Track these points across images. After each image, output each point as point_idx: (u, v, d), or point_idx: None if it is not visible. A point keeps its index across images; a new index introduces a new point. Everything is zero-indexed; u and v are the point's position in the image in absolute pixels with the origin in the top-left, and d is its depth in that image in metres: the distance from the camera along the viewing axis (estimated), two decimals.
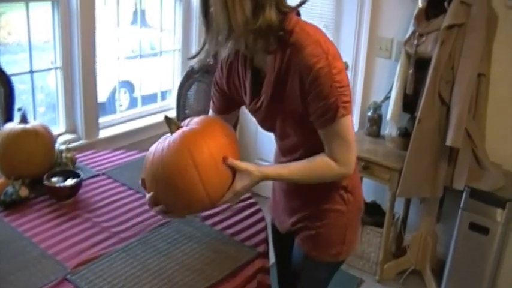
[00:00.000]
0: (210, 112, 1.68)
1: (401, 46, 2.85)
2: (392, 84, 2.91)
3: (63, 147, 2.34)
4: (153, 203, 1.47)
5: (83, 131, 3.12)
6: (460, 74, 2.49)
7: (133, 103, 3.76)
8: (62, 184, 2.00)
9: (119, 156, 2.48)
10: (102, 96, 3.63)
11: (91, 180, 2.18)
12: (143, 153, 2.43)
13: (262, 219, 1.97)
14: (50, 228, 1.81)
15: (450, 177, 2.66)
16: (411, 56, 2.71)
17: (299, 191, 1.62)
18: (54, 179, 2.02)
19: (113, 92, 3.60)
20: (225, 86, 1.59)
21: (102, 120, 3.30)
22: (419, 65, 2.68)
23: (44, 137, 2.08)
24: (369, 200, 3.22)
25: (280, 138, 1.61)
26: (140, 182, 1.53)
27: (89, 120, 3.12)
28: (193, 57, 1.42)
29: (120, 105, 3.60)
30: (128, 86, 4.19)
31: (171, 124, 1.47)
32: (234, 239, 1.81)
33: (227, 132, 1.49)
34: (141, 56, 3.53)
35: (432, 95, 2.56)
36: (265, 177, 1.45)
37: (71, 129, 3.14)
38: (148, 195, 1.48)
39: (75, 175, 2.05)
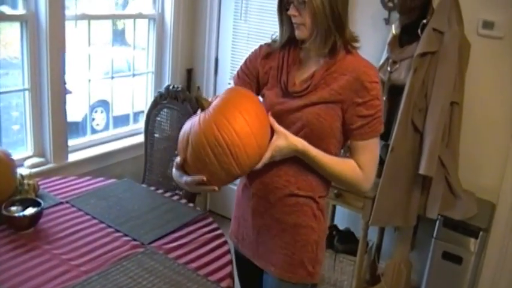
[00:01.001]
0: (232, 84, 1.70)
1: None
2: None
3: (26, 172, 2.28)
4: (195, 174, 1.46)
5: (51, 154, 3.05)
6: (433, 101, 2.48)
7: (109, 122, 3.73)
8: (21, 213, 1.94)
9: (85, 183, 2.44)
10: (77, 116, 3.62)
11: (53, 209, 2.13)
12: (110, 181, 2.43)
13: (228, 251, 1.94)
14: (6, 260, 1.75)
15: (423, 205, 2.65)
16: (384, 83, 2.68)
17: (268, 209, 1.59)
18: (14, 208, 1.97)
19: (90, 111, 3.56)
20: (257, 64, 1.63)
21: (71, 143, 3.24)
22: (392, 92, 2.68)
23: (3, 164, 2.02)
24: (342, 227, 3.19)
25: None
26: (175, 163, 1.50)
27: (57, 143, 3.06)
28: (274, 42, 1.59)
29: (97, 125, 3.56)
30: (105, 105, 4.07)
31: (201, 100, 1.46)
32: (197, 273, 1.77)
33: (255, 99, 1.50)
34: (112, 77, 3.50)
35: (405, 123, 2.55)
36: (303, 147, 1.47)
37: (39, 152, 3.07)
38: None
39: (36, 204, 2.00)
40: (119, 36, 3.56)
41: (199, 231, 2.06)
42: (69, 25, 2.95)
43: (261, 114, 1.44)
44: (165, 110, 2.67)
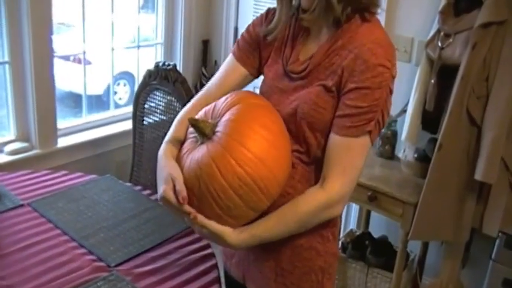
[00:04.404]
0: (230, 56, 1.54)
1: (423, 48, 2.58)
2: (410, 96, 2.63)
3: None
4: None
5: (36, 138, 2.85)
6: (497, 88, 2.24)
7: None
8: None
9: (57, 180, 2.23)
10: (98, 89, 3.76)
11: (8, 214, 1.93)
12: (89, 177, 2.26)
13: (217, 280, 1.70)
14: None
15: (479, 218, 2.40)
16: (434, 62, 2.47)
17: None
18: None
19: (114, 84, 3.58)
20: (261, 32, 1.48)
21: (62, 125, 3.05)
22: (443, 73, 2.46)
23: None
24: (377, 235, 2.94)
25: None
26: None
27: (44, 125, 2.84)
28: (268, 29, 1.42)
29: (120, 99, 3.63)
30: (128, 77, 4.16)
31: (199, 125, 1.28)
32: None
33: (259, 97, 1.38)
34: (138, 47, 3.43)
35: (458, 114, 2.29)
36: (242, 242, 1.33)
37: (23, 135, 2.86)
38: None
39: None
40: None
41: (183, 250, 1.80)
42: None
43: (273, 115, 1.32)
44: (156, 92, 2.40)
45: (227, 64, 1.52)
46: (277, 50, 1.44)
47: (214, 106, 1.33)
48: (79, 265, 1.65)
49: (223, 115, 1.27)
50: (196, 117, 1.32)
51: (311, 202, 1.29)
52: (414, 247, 2.84)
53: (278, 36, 1.43)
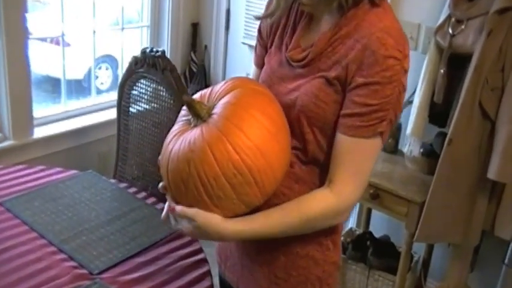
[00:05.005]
0: (252, 67, 1.56)
1: (431, 34, 2.57)
2: (417, 86, 2.61)
3: None
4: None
5: (9, 128, 2.81)
6: None
7: (116, 80, 3.68)
8: None
9: (33, 176, 2.19)
10: (78, 73, 3.72)
11: None
12: (69, 173, 2.24)
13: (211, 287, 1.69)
14: None
15: (491, 219, 2.39)
16: (443, 50, 2.45)
17: None
18: None
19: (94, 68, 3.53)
20: (268, 29, 1.47)
21: (39, 114, 3.02)
22: (454, 63, 2.45)
23: None
24: (378, 234, 2.93)
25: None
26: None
27: (18, 114, 2.81)
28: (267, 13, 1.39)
29: (102, 84, 3.57)
30: (110, 60, 4.12)
31: (195, 105, 1.24)
32: None
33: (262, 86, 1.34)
34: (122, 29, 3.40)
35: (470, 106, 2.27)
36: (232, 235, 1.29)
37: None
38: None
39: None
40: None
41: (174, 255, 1.78)
42: None
43: (277, 106, 1.27)
44: (143, 80, 2.38)
45: (252, 75, 1.52)
46: (278, 38, 1.41)
47: (212, 89, 1.29)
48: (58, 273, 1.63)
49: (221, 98, 1.24)
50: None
51: (320, 206, 1.26)
52: (418, 248, 2.83)
53: (280, 23, 1.40)
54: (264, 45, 1.48)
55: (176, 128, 1.28)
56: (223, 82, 1.29)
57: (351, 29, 1.24)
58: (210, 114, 1.21)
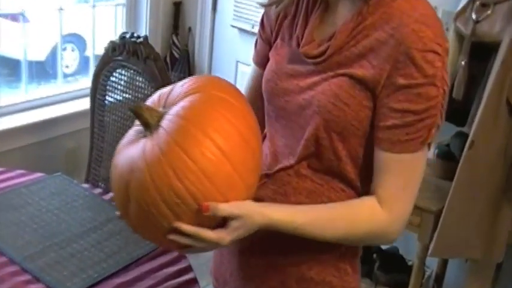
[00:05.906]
0: (252, 66, 1.55)
1: (450, 20, 2.54)
2: None
3: None
4: None
5: None
6: None
7: (84, 64, 3.76)
8: None
9: None
10: (40, 55, 3.74)
11: None
12: (34, 176, 2.21)
13: None
14: None
15: None
16: (465, 38, 2.42)
17: (265, 246, 1.39)
18: None
19: (56, 49, 3.48)
20: (273, 22, 1.45)
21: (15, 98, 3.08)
22: (477, 52, 2.41)
23: None
24: (385, 246, 2.91)
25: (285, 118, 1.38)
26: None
27: None
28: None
29: (67, 67, 3.63)
30: (77, 40, 4.11)
31: (144, 113, 1.21)
32: None
33: (233, 95, 1.28)
34: (94, 6, 3.37)
35: (496, 103, 2.22)
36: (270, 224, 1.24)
37: None
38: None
39: None
40: None
41: (158, 275, 1.74)
42: None
43: (242, 118, 1.23)
44: (121, 70, 2.34)
45: (250, 76, 1.51)
46: (287, 30, 1.39)
47: (172, 89, 1.26)
48: None
49: (176, 104, 1.21)
50: (147, 102, 1.26)
51: (372, 221, 1.26)
52: (431, 262, 2.84)
53: (288, 12, 1.39)
54: (267, 39, 1.45)
55: (129, 133, 1.26)
56: (186, 80, 1.27)
57: (377, 18, 1.20)
58: (158, 126, 1.18)
